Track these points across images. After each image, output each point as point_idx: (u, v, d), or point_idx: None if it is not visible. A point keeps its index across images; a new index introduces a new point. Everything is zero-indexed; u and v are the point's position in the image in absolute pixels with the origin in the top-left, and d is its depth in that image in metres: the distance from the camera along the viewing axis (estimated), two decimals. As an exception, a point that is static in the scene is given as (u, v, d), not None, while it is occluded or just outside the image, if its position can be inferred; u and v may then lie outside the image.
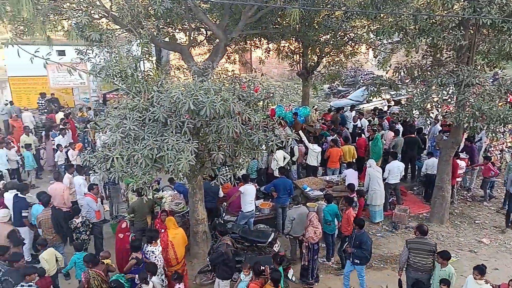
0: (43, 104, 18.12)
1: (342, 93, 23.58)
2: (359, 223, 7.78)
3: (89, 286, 6.79)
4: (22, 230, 8.49)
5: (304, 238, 8.31)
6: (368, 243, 7.68)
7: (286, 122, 13.04)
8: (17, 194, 8.78)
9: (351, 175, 10.72)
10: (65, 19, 8.90)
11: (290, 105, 15.69)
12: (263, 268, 6.89)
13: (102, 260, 7.23)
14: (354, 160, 12.16)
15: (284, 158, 11.47)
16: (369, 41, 13.76)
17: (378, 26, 10.07)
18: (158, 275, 7.12)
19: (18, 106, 18.36)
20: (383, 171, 10.91)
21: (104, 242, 9.19)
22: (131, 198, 9.68)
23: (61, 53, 16.93)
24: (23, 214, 8.60)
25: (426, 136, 13.89)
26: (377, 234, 10.35)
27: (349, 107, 17.00)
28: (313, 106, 17.81)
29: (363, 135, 13.62)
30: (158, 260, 7.34)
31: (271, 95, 7.15)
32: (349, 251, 7.83)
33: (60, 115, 15.94)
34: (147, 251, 7.36)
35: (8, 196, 8.81)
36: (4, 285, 6.48)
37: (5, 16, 7.90)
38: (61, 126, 13.99)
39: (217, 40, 11.64)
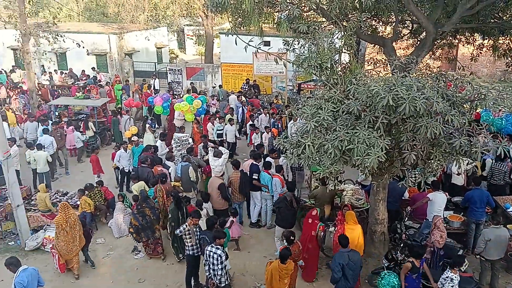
0: (245, 89, 20.15)
1: None
2: None
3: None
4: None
5: (429, 243, 7.65)
6: None
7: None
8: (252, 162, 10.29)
9: None
10: (277, 12, 9.62)
11: (500, 110, 13.64)
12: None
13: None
14: None
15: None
16: None
17: None
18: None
19: (225, 89, 20.86)
20: None
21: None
22: (314, 186, 10.00)
23: (267, 43, 18.43)
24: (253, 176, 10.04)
25: None
26: None
27: None
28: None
29: None
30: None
31: (483, 96, 6.34)
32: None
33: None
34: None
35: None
36: (201, 242, 7.53)
37: (229, 8, 8.97)
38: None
39: (424, 34, 10.90)
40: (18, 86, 21.34)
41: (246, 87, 20.39)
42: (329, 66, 7.65)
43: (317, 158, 6.60)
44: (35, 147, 12.17)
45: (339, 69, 8.30)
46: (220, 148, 10.85)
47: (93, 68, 24.75)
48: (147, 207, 9.08)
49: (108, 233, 10.25)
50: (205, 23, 27.96)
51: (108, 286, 8.55)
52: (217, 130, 14.23)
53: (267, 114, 15.12)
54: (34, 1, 18.80)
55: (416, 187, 9.70)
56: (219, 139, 14.14)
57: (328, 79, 7.53)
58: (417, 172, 7.82)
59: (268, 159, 10.63)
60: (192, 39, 40.52)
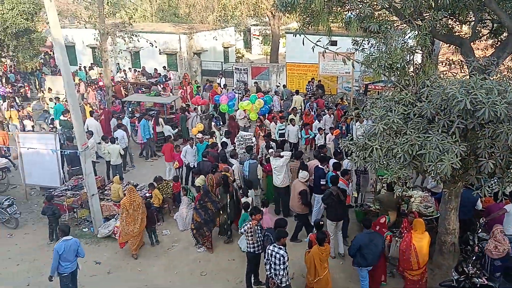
0: (310, 90, 19.98)
1: None
2: None
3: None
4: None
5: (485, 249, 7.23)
6: None
7: None
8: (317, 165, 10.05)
9: None
10: (347, 11, 9.44)
11: None
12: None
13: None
14: None
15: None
16: None
17: None
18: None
19: (289, 89, 20.82)
20: None
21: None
22: (379, 190, 9.69)
23: (333, 43, 18.12)
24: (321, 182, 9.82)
25: None
26: None
27: None
28: None
29: None
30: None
31: None
32: None
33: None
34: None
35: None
36: (265, 239, 7.59)
37: (297, 7, 8.94)
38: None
39: (505, 34, 10.13)
40: (95, 82, 22.83)
41: (309, 87, 20.25)
42: (400, 66, 7.38)
43: (384, 162, 6.40)
44: (109, 140, 12.93)
45: (411, 70, 7.98)
46: (284, 152, 10.78)
47: (164, 67, 25.82)
48: (209, 201, 9.39)
49: (173, 225, 10.66)
50: (272, 22, 28.12)
51: (172, 276, 8.88)
52: (279, 130, 14.25)
53: (332, 115, 14.89)
54: (112, 3, 19.93)
55: (492, 197, 9.07)
56: (281, 138, 14.16)
57: (399, 80, 7.27)
58: (494, 181, 7.29)
59: (334, 160, 10.46)
60: (258, 38, 40.96)
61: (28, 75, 25.51)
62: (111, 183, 11.32)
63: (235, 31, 33.77)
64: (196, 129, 14.77)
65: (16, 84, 24.18)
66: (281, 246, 6.93)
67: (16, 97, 20.31)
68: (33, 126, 17.17)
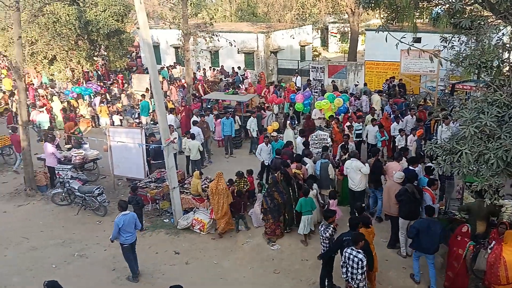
0: (387, 88, 19.26)
1: None
2: None
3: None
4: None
5: None
6: None
7: None
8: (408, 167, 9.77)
9: None
10: (435, 6, 8.91)
11: None
12: None
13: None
14: None
15: None
16: None
17: None
18: None
19: (369, 88, 20.22)
20: None
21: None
22: (466, 198, 9.06)
23: (417, 40, 17.23)
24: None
25: None
26: None
27: None
28: None
29: None
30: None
31: None
32: None
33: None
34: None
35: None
36: (345, 243, 7.46)
37: (381, 3, 8.61)
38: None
39: None
40: (178, 80, 23.96)
41: (386, 85, 19.50)
42: (494, 65, 6.81)
43: (474, 167, 5.97)
44: (190, 136, 13.47)
45: (506, 69, 7.34)
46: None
47: (239, 67, 26.33)
48: (276, 191, 9.76)
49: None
50: (351, 20, 27.48)
51: (246, 271, 9.06)
52: (356, 130, 13.86)
53: (414, 116, 14.19)
54: (195, 4, 20.74)
55: None
56: (358, 139, 13.76)
57: (493, 80, 6.71)
58: None
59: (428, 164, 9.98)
60: (335, 36, 40.28)
61: (117, 73, 27.47)
62: (191, 177, 11.81)
63: (312, 29, 33.50)
64: (271, 128, 14.90)
65: (106, 81, 26.14)
66: (359, 250, 6.77)
67: (107, 94, 21.97)
68: (121, 121, 18.44)
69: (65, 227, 11.14)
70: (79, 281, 8.82)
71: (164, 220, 11.28)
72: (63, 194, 12.13)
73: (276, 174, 10.02)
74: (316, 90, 19.71)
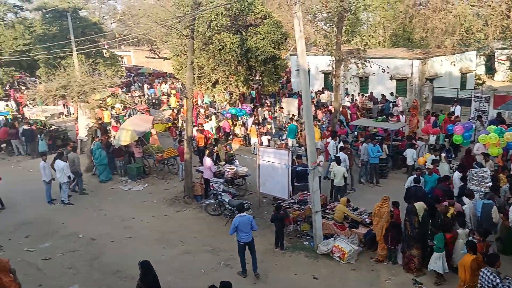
0: None
1: None
2: None
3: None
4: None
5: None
6: None
7: None
8: None
9: None
10: None
11: None
12: None
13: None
14: None
15: None
16: None
17: None
18: None
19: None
20: None
21: None
22: None
23: None
24: None
25: None
26: None
27: None
28: None
29: None
30: None
31: None
32: None
33: None
34: None
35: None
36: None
37: None
38: None
39: None
40: (325, 106, 24.20)
41: None
42: None
43: None
44: (336, 161, 13.39)
45: None
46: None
47: (391, 93, 25.32)
48: (408, 222, 9.44)
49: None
50: (526, 45, 24.30)
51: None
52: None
53: None
54: (350, 31, 20.78)
55: None
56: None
57: None
58: None
59: None
60: (503, 63, 36.06)
61: (267, 97, 28.95)
62: (333, 203, 11.68)
63: (476, 55, 30.58)
64: (422, 160, 13.93)
65: (257, 104, 27.74)
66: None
67: (259, 116, 23.26)
68: (269, 141, 19.34)
69: (215, 236, 12.01)
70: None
71: (304, 243, 11.31)
72: (215, 205, 13.18)
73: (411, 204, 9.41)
74: (475, 121, 17.79)
